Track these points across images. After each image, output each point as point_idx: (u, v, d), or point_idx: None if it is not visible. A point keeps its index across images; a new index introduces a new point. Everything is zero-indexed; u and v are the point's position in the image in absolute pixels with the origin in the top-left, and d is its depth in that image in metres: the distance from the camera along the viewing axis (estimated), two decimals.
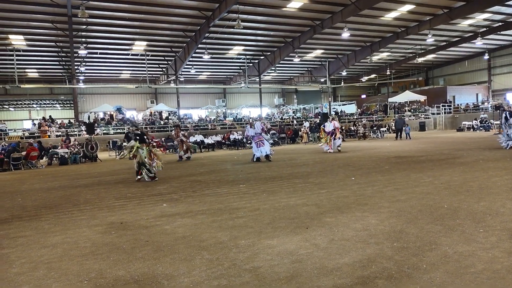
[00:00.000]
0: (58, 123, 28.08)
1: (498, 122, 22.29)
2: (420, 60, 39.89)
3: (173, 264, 3.99)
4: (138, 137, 10.83)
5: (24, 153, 17.82)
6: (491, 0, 24.90)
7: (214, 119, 34.37)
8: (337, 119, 24.69)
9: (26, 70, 32.70)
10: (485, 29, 32.71)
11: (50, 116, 29.82)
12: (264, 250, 4.28)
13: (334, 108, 39.78)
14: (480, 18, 29.57)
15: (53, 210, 7.20)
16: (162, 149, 11.32)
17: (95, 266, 4.07)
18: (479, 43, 33.97)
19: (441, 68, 46.64)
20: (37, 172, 15.72)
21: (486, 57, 39.52)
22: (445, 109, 35.02)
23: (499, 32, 33.08)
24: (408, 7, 26.05)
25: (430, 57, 40.92)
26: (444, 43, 36.48)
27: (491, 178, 8.05)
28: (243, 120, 33.10)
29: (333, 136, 16.98)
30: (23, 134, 24.71)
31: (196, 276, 3.66)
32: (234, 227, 5.31)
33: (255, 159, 14.51)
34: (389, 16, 27.62)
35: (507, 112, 14.10)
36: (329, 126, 17.25)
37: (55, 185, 10.89)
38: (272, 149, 15.49)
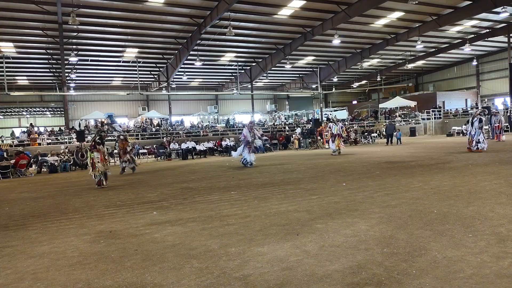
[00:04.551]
0: (42, 131, 27.82)
1: (487, 127, 22.57)
2: (410, 66, 40.30)
3: (162, 273, 3.95)
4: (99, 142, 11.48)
5: (12, 161, 17.59)
6: (478, 8, 25.31)
7: (206, 125, 34.31)
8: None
9: (16, 78, 32.38)
10: (473, 35, 33.22)
11: (31, 123, 29.56)
12: (255, 257, 4.25)
13: (325, 114, 39.97)
14: (468, 25, 30.04)
15: (41, 219, 7.09)
16: (100, 157, 11.66)
17: (82, 276, 4.00)
18: (467, 49, 34.49)
19: (431, 74, 47.21)
20: (26, 181, 15.52)
21: (475, 63, 40.13)
22: (435, 114, 35.38)
23: (486, 39, 33.62)
24: (398, 14, 26.38)
25: (419, 63, 41.41)
26: (433, 49, 36.95)
27: (480, 182, 8.12)
28: (235, 126, 33.07)
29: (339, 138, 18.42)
30: (12, 142, 24.39)
31: (185, 285, 3.62)
32: (224, 234, 5.28)
33: (248, 164, 15.01)
34: (379, 23, 27.93)
35: (481, 117, 15.14)
36: (335, 128, 18.67)
37: (43, 194, 10.75)
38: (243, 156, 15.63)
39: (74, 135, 24.72)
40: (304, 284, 3.48)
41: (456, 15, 26.66)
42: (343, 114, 42.32)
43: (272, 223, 5.70)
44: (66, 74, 28.01)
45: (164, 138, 26.18)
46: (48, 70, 31.21)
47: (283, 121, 38.50)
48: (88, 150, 11.96)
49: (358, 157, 16.21)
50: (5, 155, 18.28)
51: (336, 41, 27.78)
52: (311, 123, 31.47)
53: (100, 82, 37.38)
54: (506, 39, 32.29)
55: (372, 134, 29.35)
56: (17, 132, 28.94)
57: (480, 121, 15.17)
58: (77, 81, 35.19)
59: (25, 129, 28.08)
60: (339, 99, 52.40)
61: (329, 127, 19.18)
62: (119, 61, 31.32)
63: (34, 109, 36.28)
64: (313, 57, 36.06)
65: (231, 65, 35.34)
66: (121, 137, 16.44)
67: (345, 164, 13.77)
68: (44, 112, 37.04)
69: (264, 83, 44.64)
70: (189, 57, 29.81)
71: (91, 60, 30.11)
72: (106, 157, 11.55)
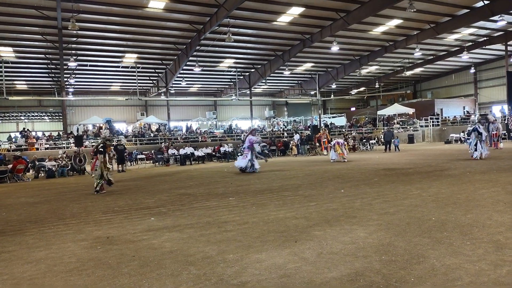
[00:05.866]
0: (40, 135, 27.78)
1: (486, 134, 22.61)
2: (408, 73, 40.51)
3: (159, 280, 3.93)
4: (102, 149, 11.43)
5: (10, 166, 17.52)
6: (475, 16, 25.53)
7: (205, 131, 34.30)
8: (327, 131, 25.03)
9: (15, 82, 32.38)
10: (470, 43, 33.44)
11: (24, 128, 29.49)
12: (252, 264, 4.24)
13: (324, 120, 40.04)
14: (465, 33, 30.26)
15: (38, 225, 7.06)
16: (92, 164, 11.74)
17: (79, 282, 3.98)
18: (465, 57, 34.70)
19: (429, 82, 47.44)
20: (24, 185, 15.45)
21: (472, 70, 40.36)
22: (433, 121, 35.50)
23: (484, 47, 33.86)
24: (396, 21, 26.56)
25: (417, 70, 41.63)
26: (431, 57, 37.18)
27: (478, 190, 8.13)
28: (233, 132, 33.08)
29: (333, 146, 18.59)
30: (10, 146, 24.33)
31: None
32: (222, 241, 5.26)
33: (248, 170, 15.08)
34: (377, 30, 28.11)
35: (480, 126, 15.36)
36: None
37: (41, 199, 10.70)
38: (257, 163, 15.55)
39: (72, 140, 24.67)
40: None
41: (454, 23, 26.88)
42: (341, 120, 42.41)
43: (270, 230, 5.69)
44: (65, 79, 28.04)
45: (163, 143, 26.16)
46: (47, 75, 31.23)
47: (281, 127, 38.56)
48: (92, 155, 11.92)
49: (356, 164, 16.22)
50: (3, 160, 18.23)
51: (335, 48, 27.94)
52: (309, 129, 31.51)
53: (98, 87, 37.41)
54: (503, 47, 32.52)
55: (371, 141, 29.39)
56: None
57: (474, 130, 15.22)
58: (75, 86, 35.21)
59: (18, 134, 27.98)
60: (338, 105, 52.55)
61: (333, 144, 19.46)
62: (118, 66, 31.38)
63: (33, 114, 36.23)
64: (312, 64, 36.21)
65: (230, 71, 35.43)
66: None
67: (343, 171, 13.78)
68: (43, 117, 36.98)
69: (263, 89, 44.76)
70: (188, 63, 29.90)
71: (90, 65, 30.16)
72: (106, 165, 11.43)
